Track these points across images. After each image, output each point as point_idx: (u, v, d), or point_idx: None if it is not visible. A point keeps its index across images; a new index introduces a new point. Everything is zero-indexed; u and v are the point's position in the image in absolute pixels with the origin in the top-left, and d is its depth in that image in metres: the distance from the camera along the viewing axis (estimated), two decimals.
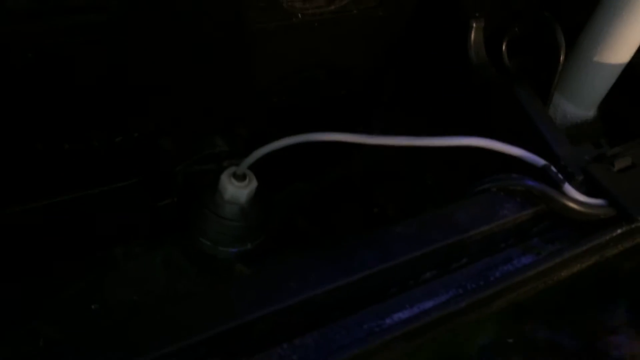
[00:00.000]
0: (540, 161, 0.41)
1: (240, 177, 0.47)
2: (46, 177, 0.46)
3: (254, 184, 0.47)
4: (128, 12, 0.38)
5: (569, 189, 0.40)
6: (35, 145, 0.44)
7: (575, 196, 0.40)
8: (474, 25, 0.48)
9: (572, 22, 0.61)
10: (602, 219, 0.41)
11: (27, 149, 0.44)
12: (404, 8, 0.51)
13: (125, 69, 0.42)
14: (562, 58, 0.47)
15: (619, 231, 0.40)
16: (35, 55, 0.37)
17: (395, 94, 0.57)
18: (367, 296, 0.34)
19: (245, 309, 0.31)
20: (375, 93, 0.58)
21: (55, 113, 0.42)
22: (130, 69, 0.42)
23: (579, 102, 0.66)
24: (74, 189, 0.48)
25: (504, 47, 0.50)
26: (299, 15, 0.46)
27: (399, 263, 0.35)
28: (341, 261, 0.34)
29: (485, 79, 0.48)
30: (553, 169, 0.41)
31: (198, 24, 0.42)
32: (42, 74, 0.39)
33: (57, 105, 0.42)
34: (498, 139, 0.43)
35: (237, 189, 0.47)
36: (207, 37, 0.42)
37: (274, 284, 0.33)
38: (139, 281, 0.50)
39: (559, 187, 0.40)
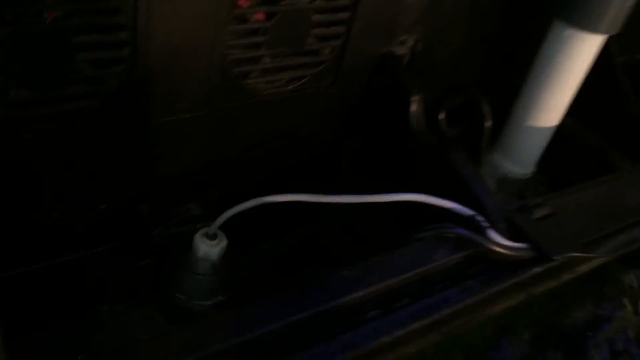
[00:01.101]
0: (468, 212, 0.48)
1: (212, 237, 0.53)
2: (40, 243, 0.52)
3: (224, 242, 0.53)
4: (115, 99, 0.45)
5: (492, 234, 0.47)
6: (30, 216, 0.50)
7: (498, 240, 0.47)
8: (413, 99, 0.56)
9: (508, 92, 0.70)
10: (525, 260, 0.47)
11: (22, 218, 0.50)
12: (354, 86, 0.59)
13: (110, 146, 0.49)
14: (487, 125, 0.54)
15: (538, 269, 0.47)
16: (34, 135, 0.44)
17: (353, 158, 0.64)
18: (318, 332, 0.40)
19: (205, 343, 0.36)
20: (336, 158, 0.66)
21: (48, 186, 0.49)
22: (114, 147, 0.49)
23: (517, 162, 0.74)
24: (64, 253, 0.53)
25: (441, 117, 0.58)
26: (262, 94, 0.54)
27: (346, 301, 0.41)
28: (292, 302, 0.39)
29: (424, 144, 0.55)
30: (478, 218, 0.47)
31: (172, 105, 0.49)
32: (39, 152, 0.46)
33: (49, 179, 0.48)
34: (436, 195, 0.50)
35: (209, 247, 0.53)
36: (180, 116, 0.50)
37: (233, 323, 0.38)
38: (122, 336, 0.54)
39: (484, 234, 0.47)
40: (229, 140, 0.55)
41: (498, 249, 0.46)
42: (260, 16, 0.49)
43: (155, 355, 0.37)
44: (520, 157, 0.71)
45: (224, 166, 0.56)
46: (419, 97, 0.57)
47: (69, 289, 0.54)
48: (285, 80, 0.54)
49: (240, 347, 0.37)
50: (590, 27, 0.61)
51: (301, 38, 0.52)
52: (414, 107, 0.56)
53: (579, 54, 0.63)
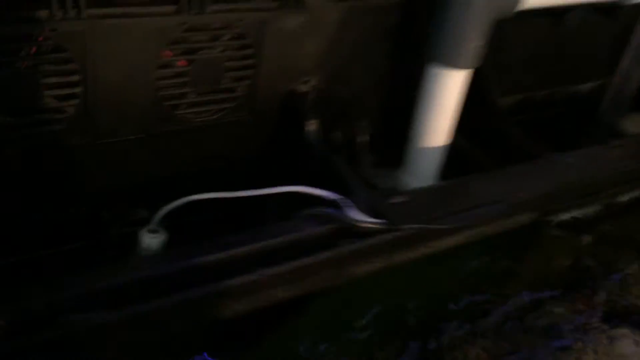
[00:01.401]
0: (336, 196, 0.63)
1: (153, 232, 0.69)
2: (18, 239, 0.68)
3: (164, 236, 0.69)
4: (73, 125, 0.63)
5: (353, 212, 0.62)
6: (10, 215, 0.66)
7: (357, 217, 0.62)
8: (309, 123, 0.74)
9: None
10: (381, 231, 0.62)
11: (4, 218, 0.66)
12: (267, 115, 0.76)
13: (72, 161, 0.66)
14: (360, 139, 0.71)
15: (389, 237, 0.61)
16: (14, 152, 0.62)
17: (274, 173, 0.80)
18: (210, 276, 0.55)
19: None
20: (256, 170, 0.81)
21: (25, 192, 0.66)
22: (75, 161, 0.66)
23: (418, 177, 0.89)
24: (40, 249, 0.70)
25: (333, 136, 0.74)
26: (191, 122, 0.71)
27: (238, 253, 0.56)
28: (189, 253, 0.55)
29: (316, 154, 0.72)
30: (343, 201, 0.63)
31: (117, 130, 0.67)
32: (19, 165, 0.63)
33: (26, 186, 0.65)
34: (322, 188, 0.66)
35: (150, 240, 0.69)
36: (125, 138, 0.67)
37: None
38: None
39: (347, 212, 0.62)
40: (167, 158, 0.72)
41: (357, 223, 0.61)
42: (182, 63, 0.67)
43: None
44: (419, 172, 0.86)
45: (165, 178, 0.73)
46: (314, 121, 0.74)
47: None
48: (209, 112, 0.72)
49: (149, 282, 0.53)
50: (453, 64, 0.78)
51: (217, 79, 0.70)
52: (309, 128, 0.73)
53: (447, 85, 0.79)
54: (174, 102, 0.69)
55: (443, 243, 0.66)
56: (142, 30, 0.61)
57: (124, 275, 0.53)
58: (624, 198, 0.93)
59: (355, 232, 0.62)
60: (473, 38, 0.76)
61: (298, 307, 0.63)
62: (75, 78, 0.60)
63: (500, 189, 0.72)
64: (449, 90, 0.80)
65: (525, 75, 1.04)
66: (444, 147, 0.84)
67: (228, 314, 0.55)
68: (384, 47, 0.82)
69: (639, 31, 1.05)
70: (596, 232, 0.91)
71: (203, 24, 0.65)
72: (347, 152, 0.72)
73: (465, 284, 0.80)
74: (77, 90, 0.61)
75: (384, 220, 0.62)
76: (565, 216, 0.88)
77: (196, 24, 0.64)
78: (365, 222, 0.62)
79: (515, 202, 0.71)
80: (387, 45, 0.82)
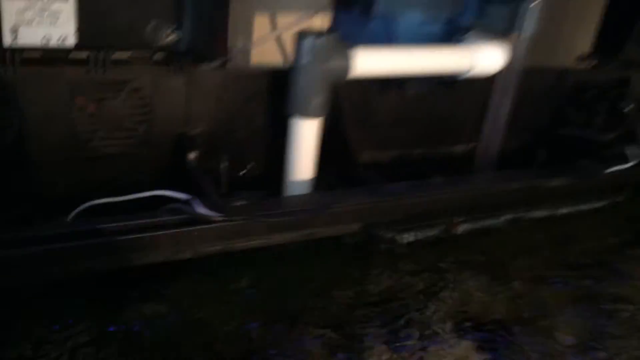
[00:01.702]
0: (188, 197, 0.88)
1: None
2: None
3: None
4: (12, 147, 0.90)
5: (199, 208, 0.86)
6: None
7: (201, 211, 0.86)
8: (190, 154, 1.00)
9: None
10: (219, 222, 0.86)
11: None
12: (164, 148, 1.02)
13: (13, 173, 0.92)
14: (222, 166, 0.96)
15: (223, 225, 0.85)
16: None
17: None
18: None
19: None
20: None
21: None
22: (15, 174, 0.92)
23: None
24: None
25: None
26: (103, 151, 0.98)
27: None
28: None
29: (193, 175, 0.97)
30: (193, 201, 0.87)
31: (46, 152, 0.93)
32: None
33: None
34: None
35: None
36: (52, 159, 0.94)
37: None
38: None
39: (195, 208, 0.86)
40: (82, 177, 0.98)
41: (200, 215, 0.86)
42: (92, 108, 0.95)
43: None
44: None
45: (81, 190, 0.98)
46: (194, 153, 1.00)
47: None
48: (115, 145, 0.99)
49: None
50: (304, 114, 1.04)
51: (121, 121, 0.97)
52: (190, 158, 0.99)
53: (303, 130, 1.05)
54: (88, 135, 0.96)
55: (270, 236, 0.90)
56: (62, 82, 0.90)
57: None
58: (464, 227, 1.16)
59: (199, 220, 0.86)
60: (316, 96, 1.02)
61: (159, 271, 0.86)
62: (9, 113, 0.88)
63: (328, 200, 0.96)
64: (304, 134, 1.05)
65: (397, 134, 1.29)
66: (309, 180, 1.09)
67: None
68: (260, 104, 1.09)
69: (493, 102, 1.31)
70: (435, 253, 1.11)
71: (107, 79, 0.93)
72: (226, 177, 0.98)
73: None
74: (14, 123, 0.89)
75: (221, 215, 0.87)
76: (410, 237, 1.11)
77: (102, 80, 0.93)
78: (207, 214, 0.86)
79: (335, 211, 0.95)
80: (263, 102, 1.08)
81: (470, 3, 1.26)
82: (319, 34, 0.99)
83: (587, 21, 1.50)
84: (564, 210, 1.28)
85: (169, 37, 0.90)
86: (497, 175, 1.21)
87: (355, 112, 1.19)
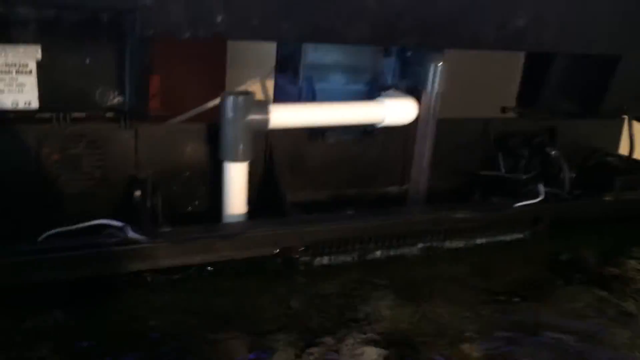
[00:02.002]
0: (123, 224, 1.10)
1: None
2: None
3: None
4: None
5: (130, 233, 1.08)
6: None
7: (131, 235, 1.08)
8: (136, 192, 1.23)
9: None
10: (142, 242, 1.07)
11: None
12: (116, 189, 1.25)
13: None
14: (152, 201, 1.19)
15: (146, 246, 1.06)
16: None
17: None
18: None
19: None
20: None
21: None
22: None
23: None
24: None
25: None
26: (66, 190, 1.21)
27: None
28: None
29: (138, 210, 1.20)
30: (128, 228, 1.09)
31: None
32: None
33: None
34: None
35: None
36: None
37: None
38: None
39: (126, 233, 1.08)
40: (53, 212, 1.21)
41: (129, 238, 1.08)
42: (56, 156, 1.19)
43: None
44: None
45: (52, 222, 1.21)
46: (139, 192, 1.23)
47: None
48: (77, 186, 1.22)
49: None
50: (233, 159, 1.26)
51: (80, 167, 1.21)
52: (136, 195, 1.22)
53: (233, 174, 1.27)
54: (53, 178, 1.20)
55: (191, 257, 1.10)
56: (31, 136, 1.15)
57: None
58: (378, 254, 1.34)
59: (128, 242, 1.08)
60: (240, 144, 1.25)
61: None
62: None
63: (246, 227, 1.17)
64: (234, 176, 1.27)
65: (330, 177, 1.49)
66: (242, 214, 1.30)
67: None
68: (200, 151, 1.32)
69: (416, 148, 1.51)
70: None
71: (68, 134, 1.18)
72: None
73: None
74: None
75: (147, 238, 1.08)
76: (324, 261, 1.29)
77: (63, 134, 1.18)
78: (135, 237, 1.08)
79: (251, 236, 1.15)
80: (202, 150, 1.31)
81: (391, 66, 1.49)
82: (240, 93, 1.22)
83: (510, 75, 1.71)
84: (478, 241, 1.44)
85: (115, 99, 1.15)
86: (407, 208, 1.40)
87: (288, 157, 1.41)
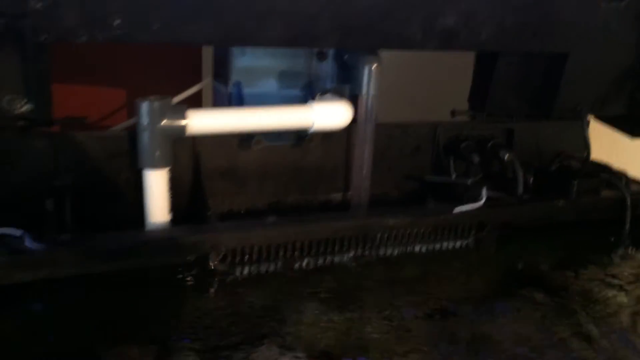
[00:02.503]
0: (19, 233, 1.08)
1: None
2: None
3: None
4: None
5: (30, 242, 1.06)
6: None
7: (31, 245, 1.06)
8: (48, 204, 1.21)
9: None
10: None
11: None
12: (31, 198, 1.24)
13: None
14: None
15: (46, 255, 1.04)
16: None
17: None
18: None
19: None
20: None
21: None
22: None
23: None
24: None
25: None
26: None
27: None
28: None
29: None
30: (25, 235, 1.07)
31: None
32: None
33: None
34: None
35: None
36: None
37: None
38: None
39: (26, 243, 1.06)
40: None
41: (27, 248, 1.05)
42: None
43: None
44: None
45: None
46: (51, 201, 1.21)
47: None
48: None
49: None
50: (151, 166, 1.23)
51: None
52: (47, 204, 1.20)
53: (152, 181, 1.24)
54: None
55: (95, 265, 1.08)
56: None
57: None
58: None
59: (23, 251, 1.05)
60: (157, 149, 1.22)
61: None
62: None
63: (160, 235, 1.14)
64: (154, 183, 1.24)
65: (267, 184, 1.46)
66: (165, 222, 1.27)
67: None
68: (122, 160, 1.29)
69: (356, 153, 1.47)
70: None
71: None
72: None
73: None
74: None
75: (43, 246, 1.06)
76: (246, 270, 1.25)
77: None
78: (32, 247, 1.06)
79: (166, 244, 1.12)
80: (123, 158, 1.29)
81: (329, 70, 1.46)
82: (155, 98, 1.20)
83: (460, 79, 1.66)
84: (417, 249, 1.38)
85: (24, 107, 1.14)
86: (336, 214, 1.35)
87: (218, 164, 1.38)
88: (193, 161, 1.34)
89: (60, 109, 1.28)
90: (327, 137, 1.45)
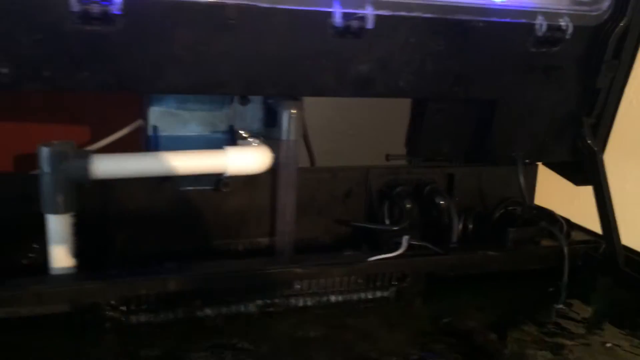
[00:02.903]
0: None
1: None
2: None
3: None
4: None
5: None
6: None
7: None
8: None
9: None
10: None
11: None
12: None
13: None
14: None
15: None
16: None
17: None
18: None
19: None
20: None
21: None
22: None
23: None
24: None
25: None
26: None
27: None
28: None
29: None
30: None
31: None
32: None
33: None
34: None
35: None
36: None
37: None
38: None
39: None
40: None
41: None
42: None
43: None
44: None
45: None
46: None
47: None
48: None
49: None
50: (51, 211, 1.23)
51: None
52: None
53: (55, 225, 1.24)
54: None
55: None
56: None
57: None
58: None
59: None
60: (60, 194, 1.22)
61: None
62: None
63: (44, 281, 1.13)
64: (56, 229, 1.23)
65: (187, 229, 1.44)
66: (68, 268, 1.26)
67: None
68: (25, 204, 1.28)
69: (279, 197, 1.45)
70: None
71: None
72: None
73: None
74: None
75: None
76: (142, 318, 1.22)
77: None
78: None
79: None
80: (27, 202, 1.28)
81: (255, 114, 1.45)
82: (57, 144, 1.20)
83: (397, 124, 1.63)
84: (333, 299, 1.34)
85: None
86: (240, 261, 1.32)
87: (132, 208, 1.37)
88: (108, 205, 1.33)
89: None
90: (251, 181, 1.43)
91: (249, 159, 1.34)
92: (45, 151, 1.19)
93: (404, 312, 1.37)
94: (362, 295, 1.37)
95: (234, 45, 1.15)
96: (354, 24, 1.19)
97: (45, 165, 1.20)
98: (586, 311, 1.40)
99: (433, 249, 1.40)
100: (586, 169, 1.51)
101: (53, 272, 1.25)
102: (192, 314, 1.25)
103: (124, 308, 1.20)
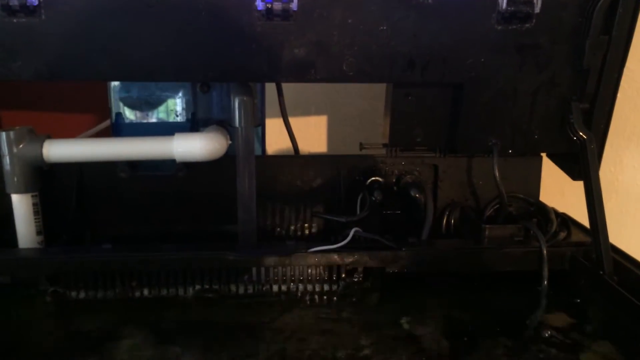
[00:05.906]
0: None
1: None
2: None
3: None
4: None
5: None
6: None
7: None
8: None
9: None
10: None
11: None
12: None
13: None
14: None
15: None
16: None
17: None
18: None
19: None
20: None
21: None
22: None
23: None
24: None
25: None
26: None
27: None
28: None
29: None
30: None
31: None
32: None
33: None
34: None
35: None
36: None
37: None
38: None
39: None
40: None
41: None
42: None
43: None
44: None
45: None
46: None
47: None
48: None
49: None
50: (16, 191, 1.33)
51: None
52: None
53: (20, 205, 1.34)
54: None
55: None
56: None
57: None
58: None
59: None
60: (18, 176, 1.32)
61: None
62: None
63: None
64: (21, 208, 1.34)
65: (155, 213, 1.49)
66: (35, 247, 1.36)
67: None
68: None
69: (238, 183, 1.45)
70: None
71: None
72: None
73: None
74: None
75: None
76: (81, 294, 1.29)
77: None
78: None
79: None
80: None
81: (214, 101, 1.47)
82: (14, 129, 1.31)
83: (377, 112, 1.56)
84: (274, 288, 1.32)
85: None
86: (178, 246, 1.33)
87: (101, 190, 1.44)
88: (80, 188, 1.42)
89: None
90: (214, 167, 1.44)
91: (196, 146, 1.35)
92: (4, 135, 1.30)
93: (349, 307, 1.30)
94: (308, 286, 1.32)
95: (156, 32, 1.17)
96: (277, 5, 1.16)
97: (3, 148, 1.30)
98: (562, 322, 1.23)
99: (386, 243, 1.32)
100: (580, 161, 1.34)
101: (20, 247, 1.35)
102: (128, 294, 1.29)
103: (63, 284, 1.27)
